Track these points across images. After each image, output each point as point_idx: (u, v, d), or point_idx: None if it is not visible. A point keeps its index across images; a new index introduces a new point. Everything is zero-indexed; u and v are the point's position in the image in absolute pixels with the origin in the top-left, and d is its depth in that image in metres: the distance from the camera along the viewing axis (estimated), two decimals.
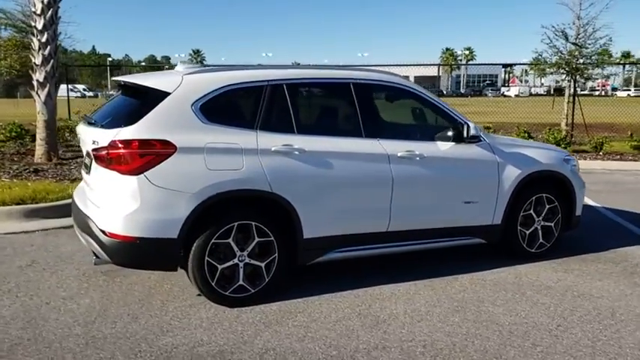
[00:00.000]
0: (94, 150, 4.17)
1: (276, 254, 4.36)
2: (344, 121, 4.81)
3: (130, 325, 3.98)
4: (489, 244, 5.46)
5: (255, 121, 4.35)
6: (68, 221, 6.68)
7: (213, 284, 4.21)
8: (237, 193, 4.18)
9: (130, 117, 4.13)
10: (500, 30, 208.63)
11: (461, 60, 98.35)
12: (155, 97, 4.16)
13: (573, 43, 13.58)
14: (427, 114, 5.14)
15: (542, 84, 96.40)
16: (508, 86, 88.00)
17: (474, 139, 5.10)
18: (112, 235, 4.03)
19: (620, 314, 4.27)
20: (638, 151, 12.82)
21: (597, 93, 68.49)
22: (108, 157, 4.02)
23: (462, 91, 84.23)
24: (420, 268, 5.17)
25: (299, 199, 4.34)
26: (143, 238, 3.99)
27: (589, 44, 13.54)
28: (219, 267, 4.22)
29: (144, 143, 3.98)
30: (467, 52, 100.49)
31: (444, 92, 72.47)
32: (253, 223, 4.25)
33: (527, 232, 5.52)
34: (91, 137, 4.29)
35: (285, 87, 4.50)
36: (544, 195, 5.53)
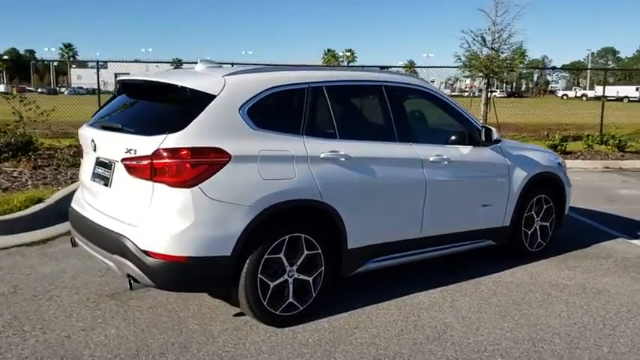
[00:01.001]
0: (127, 159, 3.67)
1: (323, 267, 4.11)
2: (379, 125, 4.64)
3: (183, 356, 3.55)
4: (493, 247, 5.53)
5: (300, 126, 4.06)
6: (28, 237, 5.98)
7: (265, 304, 3.87)
8: (290, 203, 3.87)
9: (171, 122, 3.68)
10: (379, 33, 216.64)
11: (342, 61, 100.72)
12: (198, 99, 3.74)
13: (490, 48, 14.39)
14: (446, 117, 5.10)
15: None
16: None
17: (490, 143, 5.15)
18: (157, 256, 3.57)
19: None
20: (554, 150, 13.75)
21: (467, 94, 73.20)
22: (152, 168, 3.56)
23: None
24: (438, 274, 5.10)
25: (345, 208, 4.12)
26: (195, 257, 3.58)
27: (504, 49, 14.46)
28: (271, 284, 3.89)
29: (196, 152, 3.56)
30: (348, 54, 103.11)
31: None
32: (303, 236, 3.97)
33: (529, 233, 5.67)
34: (119, 144, 3.78)
35: (324, 89, 4.25)
36: (542, 196, 5.71)
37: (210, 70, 4.18)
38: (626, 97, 65.81)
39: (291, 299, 3.98)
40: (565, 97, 77.45)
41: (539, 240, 5.77)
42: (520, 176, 5.39)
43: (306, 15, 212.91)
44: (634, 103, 58.20)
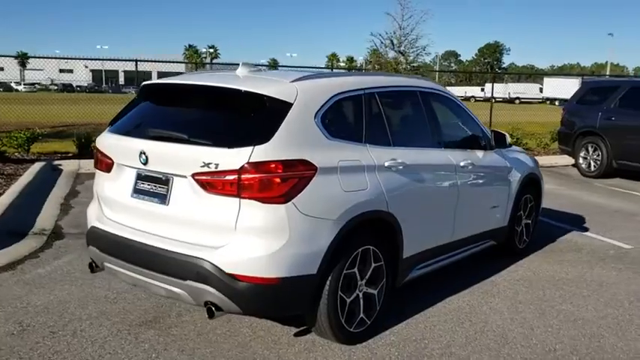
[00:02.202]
0: (204, 174, 3.30)
1: (384, 279, 4.01)
2: (420, 130, 4.61)
3: None
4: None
5: (362, 134, 3.92)
6: None
7: (343, 322, 3.69)
8: (365, 215, 3.72)
9: (251, 132, 3.36)
10: (243, 31, 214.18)
11: (205, 58, 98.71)
12: (275, 107, 3.45)
13: (397, 51, 14.88)
14: (460, 122, 5.19)
15: None
16: None
17: (500, 147, 5.34)
18: (246, 279, 3.25)
19: None
20: None
21: None
22: (240, 184, 3.22)
23: None
24: (450, 277, 5.16)
25: (403, 217, 4.05)
26: (286, 278, 3.31)
27: (411, 52, 15.03)
28: (347, 301, 3.72)
29: (288, 165, 3.29)
30: (211, 50, 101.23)
31: None
32: (371, 248, 3.84)
33: (519, 231, 5.96)
34: (186, 157, 3.39)
35: (377, 96, 4.14)
36: (528, 195, 6.03)
37: (264, 75, 3.90)
38: (472, 97, 71.24)
39: (362, 314, 3.84)
40: None
41: (524, 237, 6.09)
42: (516, 178, 5.66)
43: (166, 10, 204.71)
44: (480, 102, 63.37)
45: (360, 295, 3.82)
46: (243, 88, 3.52)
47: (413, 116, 4.60)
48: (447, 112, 5.01)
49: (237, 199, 3.25)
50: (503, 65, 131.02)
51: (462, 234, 4.91)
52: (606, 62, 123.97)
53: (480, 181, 5.07)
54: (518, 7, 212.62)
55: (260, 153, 3.24)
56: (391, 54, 15.02)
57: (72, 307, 4.29)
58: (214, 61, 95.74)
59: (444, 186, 4.57)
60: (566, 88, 57.58)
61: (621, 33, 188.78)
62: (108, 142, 3.90)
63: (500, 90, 61.53)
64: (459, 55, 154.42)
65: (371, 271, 3.86)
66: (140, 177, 3.67)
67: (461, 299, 4.70)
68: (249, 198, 3.23)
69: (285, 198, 3.26)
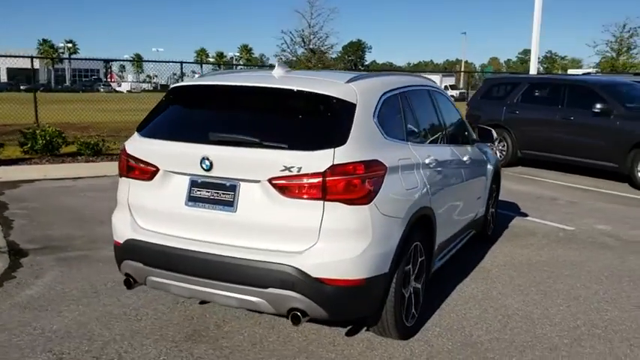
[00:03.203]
0: (284, 178, 3.22)
1: (425, 273, 4.15)
2: (436, 128, 4.77)
3: None
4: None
5: (404, 133, 4.02)
6: None
7: (403, 318, 3.78)
8: (419, 212, 3.83)
9: (325, 134, 3.34)
10: (103, 25, 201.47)
11: (63, 53, 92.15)
12: (342, 109, 3.45)
13: (307, 48, 14.99)
14: (453, 118, 5.39)
15: (148, 80, 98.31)
16: (110, 82, 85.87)
17: (476, 141, 5.69)
18: (333, 282, 3.23)
19: (624, 269, 5.51)
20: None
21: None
22: (325, 186, 3.19)
23: (69, 85, 79.00)
24: (444, 266, 5.42)
25: (437, 212, 4.22)
26: (369, 278, 3.33)
27: (322, 49, 15.19)
28: (406, 297, 3.81)
29: (367, 166, 3.31)
30: (70, 45, 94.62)
31: (52, 86, 67.14)
32: (419, 244, 3.96)
33: (489, 219, 6.39)
34: (261, 162, 3.28)
35: (407, 95, 4.27)
36: (494, 185, 6.47)
37: (311, 75, 3.87)
38: None
39: (413, 309, 3.95)
40: None
41: (491, 225, 6.53)
42: (490, 170, 6.06)
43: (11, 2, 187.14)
44: None
45: (412, 290, 3.92)
46: (309, 89, 3.47)
47: (430, 114, 4.77)
48: (445, 109, 5.24)
49: (321, 202, 3.21)
50: (366, 63, 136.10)
51: (462, 224, 5.19)
52: (456, 59, 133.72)
53: (471, 174, 5.37)
54: (378, 5, 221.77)
55: (341, 155, 3.23)
56: (300, 51, 15.17)
57: (96, 328, 3.96)
58: (73, 56, 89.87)
59: (456, 180, 4.81)
60: None
61: (472, 32, 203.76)
62: (149, 148, 3.64)
63: None
64: (325, 53, 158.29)
65: (418, 265, 3.98)
66: (197, 184, 3.48)
67: (469, 287, 4.96)
68: (334, 200, 3.21)
69: (367, 199, 3.28)
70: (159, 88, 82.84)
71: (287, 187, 3.23)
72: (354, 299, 3.35)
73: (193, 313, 4.21)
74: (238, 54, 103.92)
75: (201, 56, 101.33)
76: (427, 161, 4.08)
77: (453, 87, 60.95)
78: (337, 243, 3.24)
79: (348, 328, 3.99)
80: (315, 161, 3.20)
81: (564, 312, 4.47)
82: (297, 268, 3.20)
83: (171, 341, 3.79)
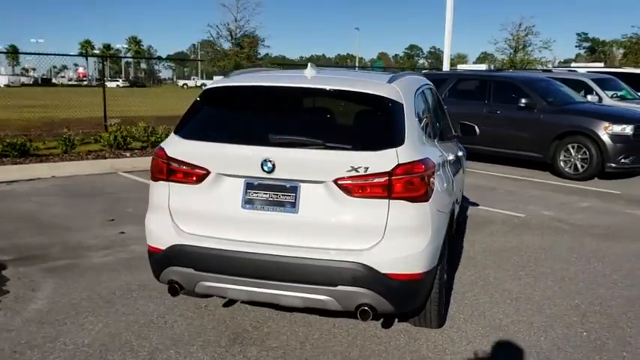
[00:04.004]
0: (351, 178, 3.29)
1: (445, 264, 4.37)
2: (440, 124, 4.98)
3: None
4: None
5: (430, 130, 4.21)
6: None
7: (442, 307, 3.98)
8: (453, 207, 4.04)
9: (383, 134, 3.45)
10: None
11: None
12: (393, 109, 3.57)
13: (234, 43, 14.74)
14: (441, 114, 5.62)
15: (25, 73, 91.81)
16: None
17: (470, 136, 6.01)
18: (399, 277, 3.35)
19: (587, 251, 6.07)
20: None
21: (85, 83, 70.49)
22: (391, 185, 3.30)
23: None
24: None
25: (456, 205, 4.46)
26: (426, 272, 3.49)
27: (248, 44, 14.97)
28: (443, 291, 4.01)
29: (424, 164, 3.45)
30: None
31: None
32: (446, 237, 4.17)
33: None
34: (325, 162, 3.34)
35: (424, 92, 4.45)
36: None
37: (349, 75, 3.94)
38: None
39: (444, 298, 4.16)
40: (185, 87, 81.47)
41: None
42: (464, 162, 6.42)
43: None
44: None
45: (444, 280, 4.13)
46: (364, 90, 3.57)
47: (435, 111, 4.97)
48: (440, 105, 5.47)
49: (387, 201, 3.32)
50: (259, 56, 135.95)
51: (456, 215, 5.48)
52: (347, 54, 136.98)
53: (459, 167, 5.67)
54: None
55: (403, 154, 3.35)
56: (227, 45, 14.94)
57: (131, 339, 3.81)
58: None
59: (455, 173, 5.06)
60: None
61: (362, 27, 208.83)
62: (198, 151, 3.55)
63: None
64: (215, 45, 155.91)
65: (446, 257, 4.19)
66: (253, 186, 3.45)
67: (465, 274, 5.26)
68: (399, 198, 3.33)
69: (427, 196, 3.43)
70: (39, 82, 77.71)
71: (353, 187, 3.31)
72: (416, 292, 3.50)
73: (223, 317, 4.16)
74: (126, 46, 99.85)
75: (86, 48, 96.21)
76: (451, 158, 4.29)
77: None
78: (402, 239, 3.36)
79: (381, 320, 4.12)
80: (381, 161, 3.30)
81: (560, 292, 4.88)
82: (366, 265, 3.29)
83: (218, 346, 3.74)
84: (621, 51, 67.43)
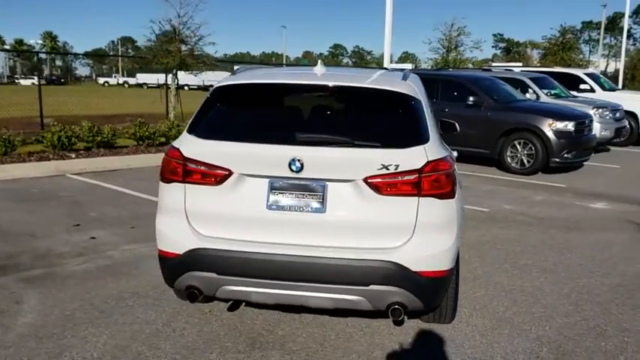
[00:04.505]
0: (381, 176, 3.27)
1: None
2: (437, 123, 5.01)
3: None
4: None
5: (438, 128, 4.23)
6: None
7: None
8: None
9: (409, 131, 3.45)
10: None
11: None
12: (414, 106, 3.59)
13: (179, 39, 14.31)
14: None
15: None
16: None
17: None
18: (428, 274, 3.36)
19: (556, 242, 6.33)
20: None
21: None
22: (420, 183, 3.30)
23: None
24: None
25: None
26: (450, 269, 3.51)
27: (193, 41, 14.56)
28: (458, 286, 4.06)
29: (449, 161, 3.48)
30: None
31: None
32: None
33: None
34: (353, 161, 3.31)
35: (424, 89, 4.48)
36: None
37: (363, 73, 3.90)
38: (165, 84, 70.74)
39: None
40: (107, 85, 78.69)
41: None
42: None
43: None
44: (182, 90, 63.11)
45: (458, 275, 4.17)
46: (385, 87, 3.56)
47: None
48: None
49: (416, 198, 3.32)
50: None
51: None
52: (272, 52, 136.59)
53: None
54: None
55: (430, 152, 3.37)
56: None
57: (143, 350, 3.63)
58: None
59: None
60: None
61: (288, 25, 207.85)
62: (218, 151, 3.41)
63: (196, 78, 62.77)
64: (135, 42, 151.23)
65: None
66: (278, 187, 3.36)
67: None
68: (428, 196, 3.33)
69: (452, 193, 3.45)
70: None
71: (383, 185, 3.28)
72: (443, 288, 3.52)
73: (232, 322, 4.04)
74: (41, 42, 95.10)
75: None
76: (454, 155, 4.34)
77: None
78: (431, 236, 3.37)
79: (389, 319, 4.10)
80: (411, 159, 3.29)
81: (547, 283, 5.05)
82: (398, 264, 3.27)
83: (238, 352, 3.62)
84: (536, 51, 70.80)
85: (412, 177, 3.28)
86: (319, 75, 3.75)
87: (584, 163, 11.78)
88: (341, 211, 3.33)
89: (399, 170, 3.27)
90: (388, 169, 3.26)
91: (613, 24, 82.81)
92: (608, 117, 13.45)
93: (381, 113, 3.57)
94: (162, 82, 69.25)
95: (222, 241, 3.40)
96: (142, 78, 72.64)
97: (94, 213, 7.04)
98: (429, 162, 3.31)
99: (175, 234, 3.50)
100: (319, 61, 3.89)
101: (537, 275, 5.25)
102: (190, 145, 3.48)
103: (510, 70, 17.32)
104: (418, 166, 3.29)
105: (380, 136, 3.43)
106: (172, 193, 3.53)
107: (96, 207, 7.36)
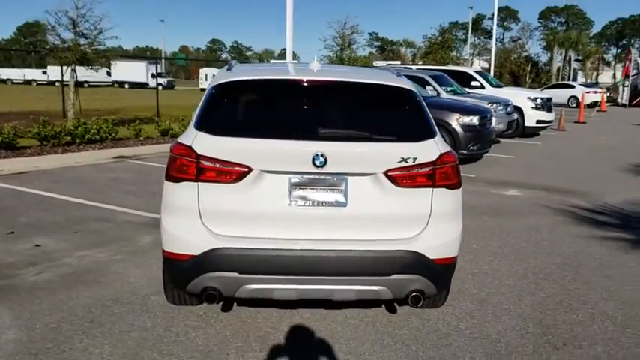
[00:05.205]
0: (400, 169, 3.41)
1: None
2: None
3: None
4: None
5: None
6: None
7: None
8: None
9: (417, 125, 3.62)
10: None
11: None
12: (416, 101, 3.77)
13: (76, 32, 13.34)
14: None
15: None
16: None
17: None
18: (442, 261, 3.55)
19: (490, 228, 6.82)
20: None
21: None
22: (434, 174, 3.48)
23: None
24: None
25: None
26: (457, 254, 3.73)
27: (94, 35, 13.60)
28: None
29: (455, 154, 3.68)
30: None
31: None
32: None
33: None
34: (385, 154, 3.43)
35: None
36: None
37: (366, 70, 4.00)
38: (34, 80, 65.72)
39: None
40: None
41: None
42: None
43: None
44: (44, 86, 58.54)
45: None
46: (392, 83, 3.69)
47: None
48: None
49: (430, 189, 3.49)
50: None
51: None
52: (146, 46, 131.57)
53: None
54: None
55: (440, 145, 3.57)
56: (68, 35, 13.57)
57: (156, 357, 3.50)
58: None
59: None
60: (135, 71, 59.73)
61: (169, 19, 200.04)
62: (237, 147, 3.35)
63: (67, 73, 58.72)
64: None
65: None
66: (299, 182, 3.38)
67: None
68: (441, 187, 3.52)
69: (460, 184, 3.66)
70: None
71: (402, 177, 3.42)
72: (451, 274, 3.73)
73: (232, 322, 3.99)
74: None
75: None
76: None
77: (160, 75, 60.25)
78: (443, 225, 3.55)
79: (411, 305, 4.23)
80: (426, 151, 3.46)
81: (503, 265, 5.46)
82: (418, 252, 3.43)
83: (253, 350, 3.60)
84: (409, 50, 74.41)
85: (427, 169, 3.45)
86: (325, 71, 3.81)
87: (485, 154, 12.68)
88: (362, 204, 3.42)
89: (416, 163, 3.42)
90: (407, 162, 3.40)
91: (476, 24, 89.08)
92: (501, 111, 14.55)
93: (391, 109, 3.71)
94: (29, 77, 63.35)
95: (242, 239, 3.36)
96: (4, 73, 66.86)
97: (24, 219, 6.53)
98: (441, 155, 3.49)
99: (188, 235, 3.40)
100: (315, 57, 3.94)
101: (491, 258, 5.65)
102: (203, 143, 3.39)
103: (409, 68, 18.15)
104: (432, 159, 3.46)
105: (394, 130, 3.57)
106: (183, 193, 3.42)
107: (23, 212, 6.81)
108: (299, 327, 3.93)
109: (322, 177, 3.39)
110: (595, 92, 35.48)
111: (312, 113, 3.66)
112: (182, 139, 3.51)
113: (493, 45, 35.49)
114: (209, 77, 60.48)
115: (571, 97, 35.08)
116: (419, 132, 3.57)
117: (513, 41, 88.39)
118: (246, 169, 3.34)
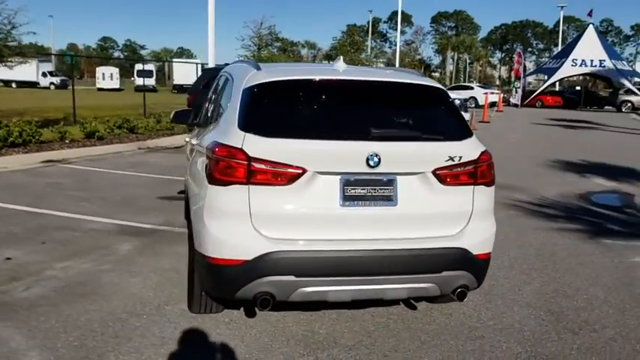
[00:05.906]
0: (447, 168, 3.49)
1: None
2: None
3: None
4: None
5: None
6: None
7: None
8: None
9: (456, 124, 3.73)
10: None
11: None
12: (448, 100, 3.87)
13: None
14: None
15: None
16: None
17: None
18: (483, 256, 3.68)
19: None
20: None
21: None
22: (477, 172, 3.59)
23: None
24: None
25: None
26: (492, 251, 3.87)
27: (7, 30, 12.44)
28: None
29: (490, 153, 3.80)
30: None
31: None
32: None
33: None
34: (434, 154, 3.50)
35: None
36: None
37: (391, 69, 4.04)
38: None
39: None
40: None
41: None
42: None
43: None
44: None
45: None
46: (428, 83, 3.77)
47: None
48: None
49: (472, 187, 3.60)
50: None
51: None
52: (35, 42, 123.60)
53: None
54: None
55: (479, 143, 3.68)
56: None
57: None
58: None
59: None
60: (23, 69, 55.36)
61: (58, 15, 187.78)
62: (291, 149, 3.27)
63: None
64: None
65: None
66: (350, 182, 3.37)
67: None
68: (481, 184, 3.64)
69: (494, 181, 3.79)
70: None
71: (448, 175, 3.50)
72: (488, 268, 3.84)
73: (264, 328, 3.89)
74: None
75: None
76: None
77: (52, 73, 56.90)
78: (482, 222, 3.67)
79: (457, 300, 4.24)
80: (470, 150, 3.56)
81: (495, 259, 5.67)
82: (465, 249, 3.53)
83: (302, 354, 3.54)
84: (310, 51, 75.34)
85: (470, 167, 3.56)
86: (359, 71, 3.81)
87: None
88: (411, 202, 3.46)
89: (462, 161, 3.51)
90: (454, 161, 3.48)
91: (373, 27, 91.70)
92: None
93: (432, 108, 3.80)
94: None
95: (295, 242, 3.30)
96: None
97: None
98: (482, 153, 3.61)
99: (238, 240, 3.28)
100: (341, 57, 3.93)
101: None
102: (255, 144, 3.28)
103: None
104: (475, 157, 3.57)
105: (440, 129, 3.65)
106: (231, 196, 3.29)
107: None
108: (334, 330, 3.89)
109: (374, 177, 3.39)
110: (492, 93, 37.71)
111: (359, 114, 3.64)
112: (225, 141, 3.36)
113: (398, 47, 36.83)
114: (106, 77, 57.76)
115: (470, 97, 37.04)
116: (460, 131, 3.66)
117: (407, 44, 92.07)
118: (300, 171, 3.28)
